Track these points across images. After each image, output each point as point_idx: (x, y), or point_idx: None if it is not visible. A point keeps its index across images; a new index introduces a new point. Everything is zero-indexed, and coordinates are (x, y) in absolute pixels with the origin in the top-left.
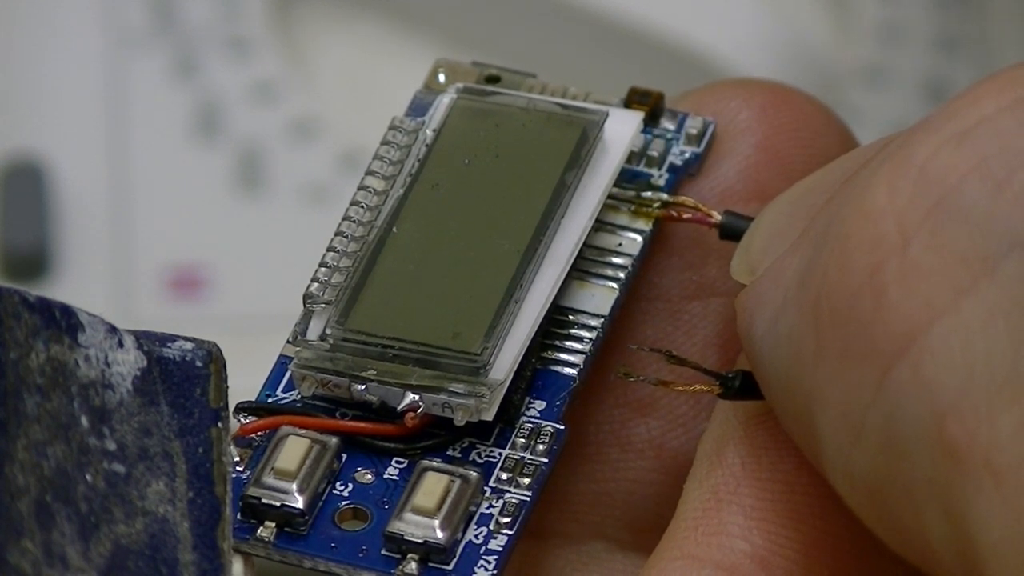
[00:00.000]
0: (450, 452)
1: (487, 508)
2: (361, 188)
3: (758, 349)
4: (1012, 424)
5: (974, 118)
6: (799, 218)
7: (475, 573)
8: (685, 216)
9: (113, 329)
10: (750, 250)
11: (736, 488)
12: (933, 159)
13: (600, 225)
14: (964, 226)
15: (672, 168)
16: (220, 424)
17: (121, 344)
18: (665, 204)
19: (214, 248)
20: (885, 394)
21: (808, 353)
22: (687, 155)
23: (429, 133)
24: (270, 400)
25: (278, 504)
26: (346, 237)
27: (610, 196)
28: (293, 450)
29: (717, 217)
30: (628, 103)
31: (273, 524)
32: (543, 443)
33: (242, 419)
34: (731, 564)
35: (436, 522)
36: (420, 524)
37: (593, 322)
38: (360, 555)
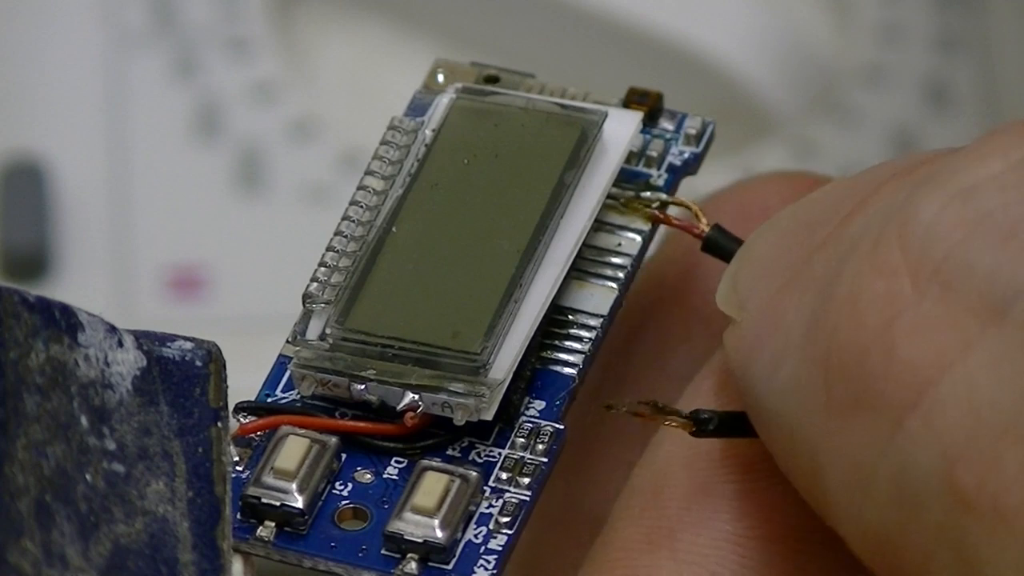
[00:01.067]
0: (450, 452)
1: (487, 508)
2: (360, 188)
3: (757, 395)
4: (1016, 465)
5: (981, 175)
6: (791, 253)
7: (475, 573)
8: (674, 222)
9: (113, 329)
10: (738, 283)
11: (670, 533)
12: (941, 216)
13: (599, 225)
14: (971, 279)
15: (671, 168)
16: (220, 424)
17: (121, 344)
18: (664, 204)
19: (214, 248)
20: (897, 446)
21: (816, 405)
22: (686, 155)
23: (428, 133)
24: (270, 400)
25: (278, 504)
26: (345, 237)
27: (609, 196)
28: (293, 450)
29: (705, 228)
30: (627, 103)
31: (273, 524)
32: (543, 443)
33: (242, 419)
34: None
35: (436, 522)
36: (420, 524)
37: (592, 322)
38: (360, 555)
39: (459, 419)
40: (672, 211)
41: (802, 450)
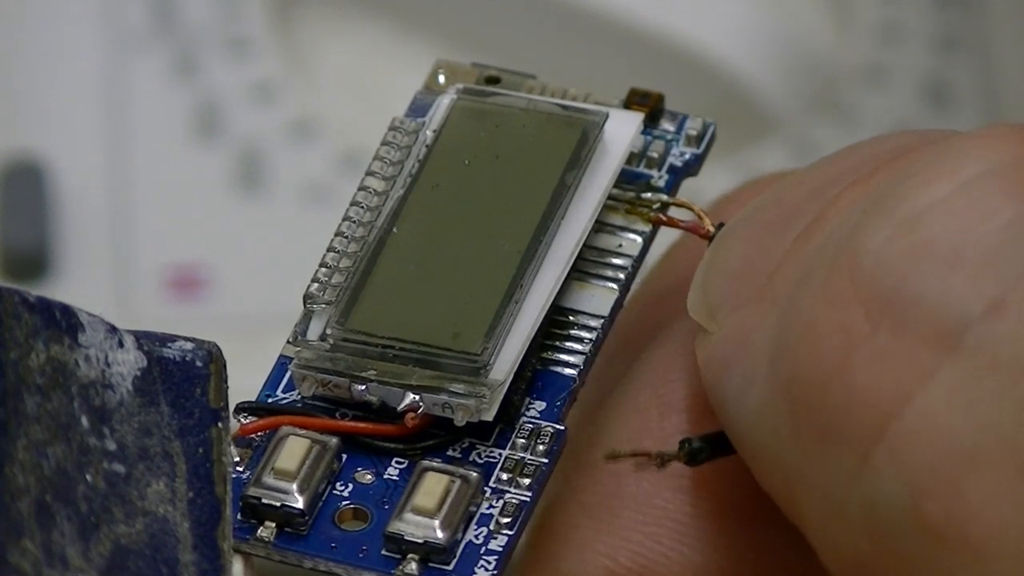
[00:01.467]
0: (450, 452)
1: (487, 508)
2: (361, 188)
3: (729, 414)
4: (979, 495)
5: (926, 201)
6: (756, 261)
7: (475, 573)
8: (679, 223)
9: (113, 329)
10: (707, 290)
11: (610, 510)
12: (888, 246)
13: (600, 226)
14: (922, 310)
15: (672, 169)
16: (220, 424)
17: (121, 344)
18: (665, 205)
19: (214, 248)
20: (865, 479)
21: (785, 434)
22: (687, 156)
23: (429, 134)
24: (270, 400)
25: (278, 504)
26: (346, 237)
27: (610, 197)
28: (293, 450)
29: (711, 228)
30: (628, 104)
31: (273, 524)
32: (543, 443)
33: (242, 419)
34: None
35: (436, 522)
36: (420, 524)
37: (593, 323)
38: (360, 555)
39: (460, 420)
40: (674, 212)
41: (776, 475)
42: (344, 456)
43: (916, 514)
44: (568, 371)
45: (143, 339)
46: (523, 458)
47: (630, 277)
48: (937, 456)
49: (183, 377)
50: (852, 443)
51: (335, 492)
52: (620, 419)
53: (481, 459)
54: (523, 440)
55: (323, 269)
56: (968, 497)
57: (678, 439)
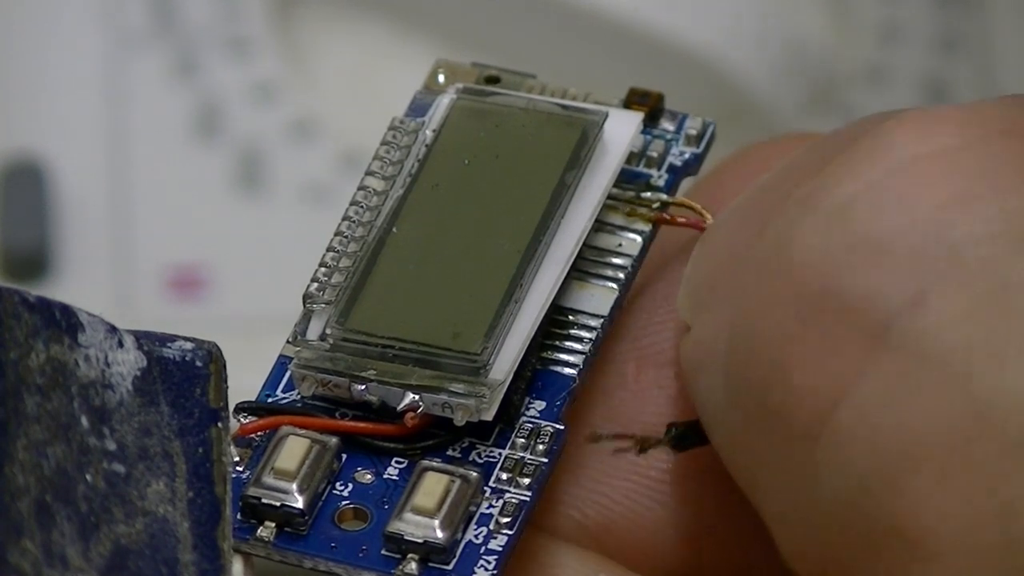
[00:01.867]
0: (450, 452)
1: (487, 508)
2: (361, 188)
3: (702, 411)
4: (917, 491)
5: (849, 192)
6: (730, 258)
7: (475, 573)
8: (679, 220)
9: (113, 329)
10: (689, 287)
11: (580, 460)
12: (815, 241)
13: (600, 225)
14: (849, 305)
15: (672, 169)
16: (220, 424)
17: (121, 344)
18: (665, 205)
19: (214, 248)
20: (810, 478)
21: (740, 434)
22: (687, 156)
23: (429, 133)
24: (270, 400)
25: (278, 504)
26: (346, 237)
27: (610, 197)
28: (293, 450)
29: (711, 222)
30: (628, 104)
31: (273, 524)
32: (543, 443)
33: (242, 419)
34: (565, 534)
35: (436, 522)
36: (420, 524)
37: (593, 322)
38: (360, 555)
39: (459, 419)
40: (674, 212)
41: (738, 471)
42: (344, 456)
43: (859, 511)
44: (568, 371)
45: (143, 339)
46: (523, 458)
47: (630, 277)
48: (874, 453)
49: (183, 377)
50: (796, 442)
51: (335, 492)
52: (596, 370)
53: (481, 459)
54: (523, 440)
55: (323, 269)
56: (906, 494)
57: (653, 392)
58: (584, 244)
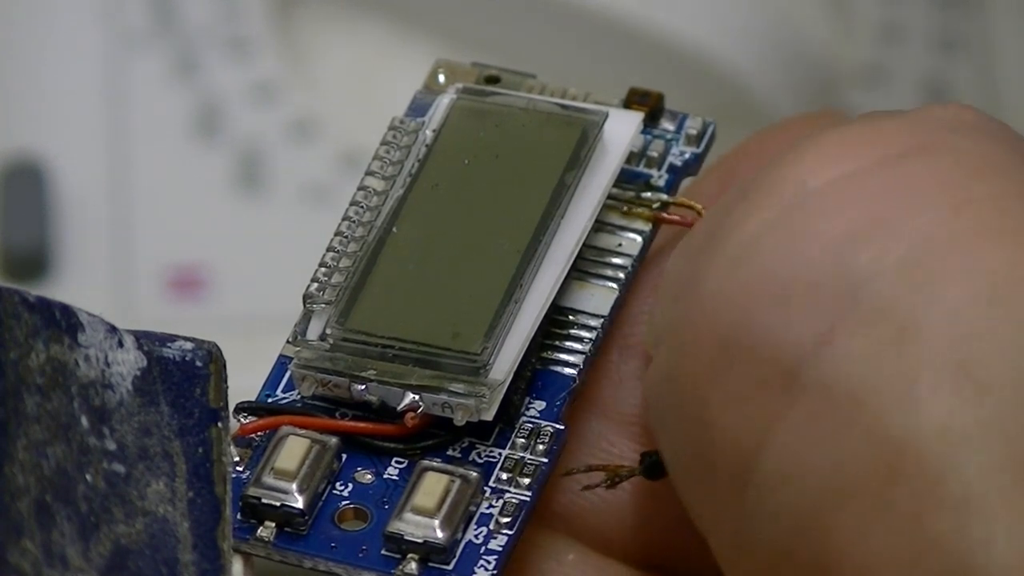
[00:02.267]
0: (450, 452)
1: (487, 508)
2: (361, 188)
3: (659, 445)
4: (842, 532)
5: (752, 230)
6: (672, 295)
7: (475, 573)
8: (679, 219)
9: (113, 329)
10: (652, 322)
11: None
12: (722, 284)
13: (600, 225)
14: (759, 348)
15: (672, 169)
16: (220, 424)
17: (121, 344)
18: (665, 204)
19: (214, 248)
20: (743, 520)
21: (679, 475)
22: (687, 156)
23: (429, 133)
24: (270, 400)
25: (278, 504)
26: (346, 237)
27: (610, 196)
28: (293, 450)
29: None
30: (628, 103)
31: (273, 524)
32: (543, 443)
33: (242, 419)
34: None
35: (436, 522)
36: (420, 524)
37: (593, 322)
38: (360, 555)
39: (459, 419)
40: (674, 211)
41: (687, 507)
42: (344, 456)
43: (792, 555)
44: (568, 371)
45: (143, 339)
46: (523, 458)
47: (630, 276)
48: (800, 497)
49: (183, 377)
50: (726, 486)
51: (335, 492)
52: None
53: (481, 459)
54: (523, 440)
55: (323, 269)
56: (833, 535)
57: (634, 382)
58: (584, 244)
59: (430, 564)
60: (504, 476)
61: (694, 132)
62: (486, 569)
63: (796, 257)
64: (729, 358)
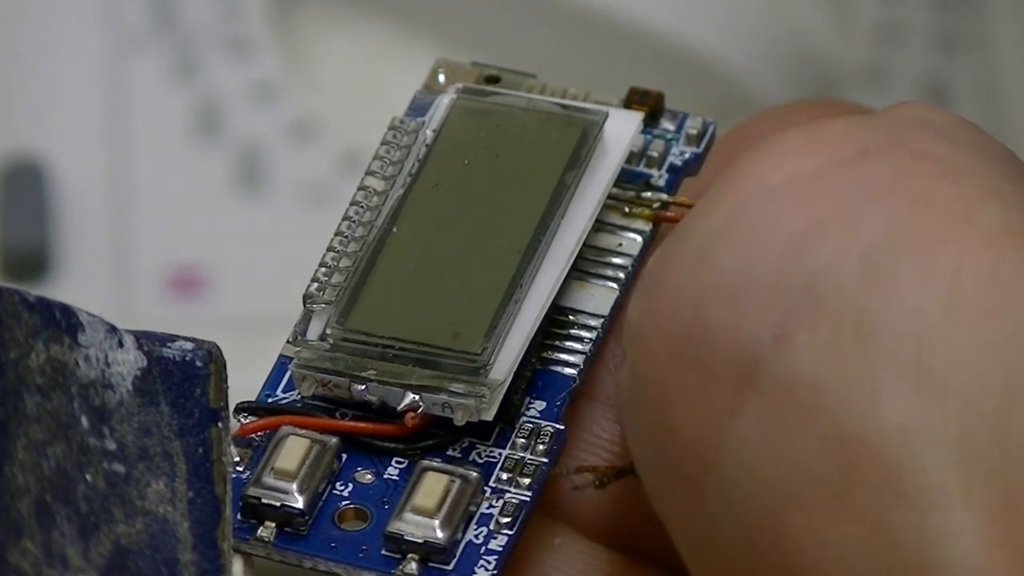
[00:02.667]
0: (450, 452)
1: (487, 508)
2: (361, 188)
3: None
4: (799, 528)
5: (710, 229)
6: (635, 301)
7: (475, 573)
8: (680, 218)
9: (113, 329)
10: (628, 324)
11: None
12: (681, 282)
13: (600, 225)
14: (716, 347)
15: (672, 168)
16: (220, 424)
17: (121, 344)
18: (665, 204)
19: (214, 248)
20: (706, 519)
21: (645, 475)
22: (687, 155)
23: (429, 133)
24: (270, 400)
25: (278, 504)
26: (346, 237)
27: (610, 196)
28: (293, 450)
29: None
30: (628, 103)
31: (273, 524)
32: (543, 443)
33: (242, 419)
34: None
35: (436, 522)
36: (420, 524)
37: (593, 322)
38: (360, 555)
39: (459, 419)
40: (674, 211)
41: (654, 505)
42: (344, 456)
43: (752, 555)
44: (568, 371)
45: (143, 339)
46: (523, 458)
47: (630, 276)
48: (757, 496)
49: (183, 377)
50: (688, 484)
51: (335, 492)
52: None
53: (481, 459)
54: (523, 440)
55: (323, 269)
56: (791, 532)
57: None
58: (584, 244)
59: (430, 564)
60: (504, 476)
61: (694, 132)
62: (486, 569)
63: (754, 253)
64: (688, 354)
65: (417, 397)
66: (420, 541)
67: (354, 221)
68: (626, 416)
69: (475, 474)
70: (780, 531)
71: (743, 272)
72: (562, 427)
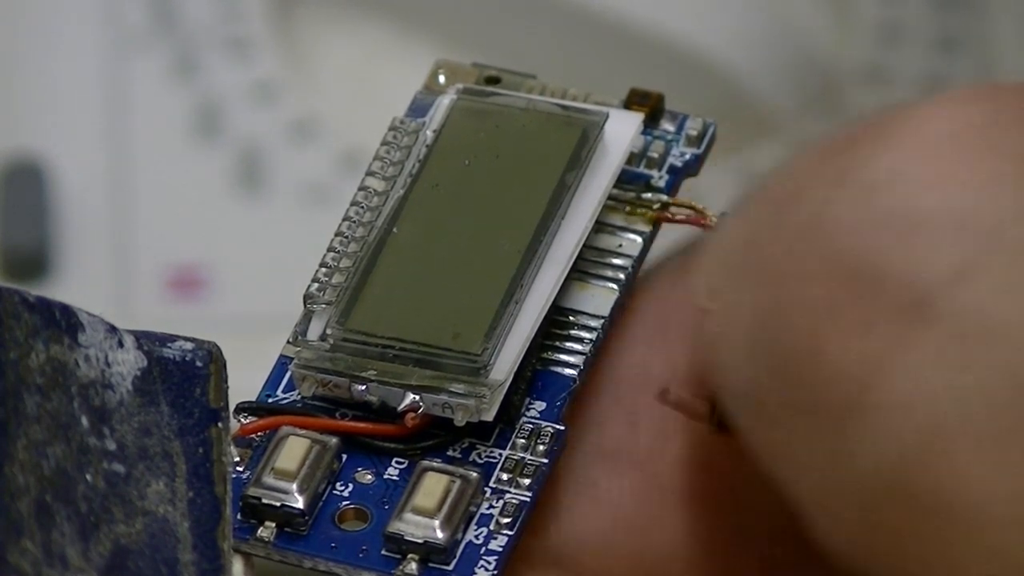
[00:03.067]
0: (450, 452)
1: (487, 508)
2: (361, 188)
3: (724, 395)
4: (964, 463)
5: (881, 168)
6: (751, 240)
7: (475, 573)
8: (679, 217)
9: (113, 329)
10: (706, 271)
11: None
12: (849, 218)
13: (600, 226)
14: (886, 281)
15: (672, 169)
16: (220, 424)
17: (121, 344)
18: (665, 205)
19: (214, 248)
20: (846, 454)
21: (769, 412)
22: (687, 156)
23: (429, 134)
24: (270, 400)
25: (278, 504)
26: (346, 237)
27: (610, 197)
28: (293, 450)
29: (713, 220)
30: (628, 104)
31: (273, 524)
32: (543, 444)
33: (242, 419)
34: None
35: (436, 522)
36: (420, 524)
37: (593, 323)
38: (360, 555)
39: (460, 420)
40: (674, 212)
41: (766, 453)
42: (344, 456)
43: (900, 486)
44: (568, 371)
45: (143, 339)
46: (523, 458)
47: (630, 277)
48: (913, 427)
49: (183, 377)
50: (830, 417)
51: (335, 492)
52: (624, 345)
53: (481, 459)
54: (523, 440)
55: (323, 269)
56: (948, 467)
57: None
58: (584, 245)
59: (430, 564)
60: (504, 477)
61: (695, 133)
62: (486, 570)
63: (933, 194)
64: (850, 289)
65: (417, 397)
66: (420, 541)
67: (354, 221)
68: (730, 362)
69: (475, 474)
70: (936, 466)
71: (920, 212)
72: (562, 428)
